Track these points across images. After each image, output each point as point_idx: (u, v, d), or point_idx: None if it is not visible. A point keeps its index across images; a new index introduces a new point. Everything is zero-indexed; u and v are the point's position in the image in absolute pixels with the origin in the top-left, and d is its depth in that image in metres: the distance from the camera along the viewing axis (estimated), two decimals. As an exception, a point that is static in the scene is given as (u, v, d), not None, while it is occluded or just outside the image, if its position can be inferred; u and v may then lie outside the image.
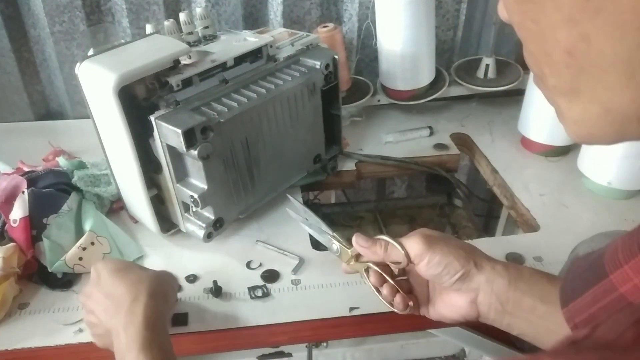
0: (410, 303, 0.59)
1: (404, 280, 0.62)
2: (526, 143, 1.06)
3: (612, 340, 0.29)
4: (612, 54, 0.24)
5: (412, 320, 0.64)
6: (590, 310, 0.36)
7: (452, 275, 0.54)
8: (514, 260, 0.79)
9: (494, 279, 0.53)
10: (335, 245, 0.63)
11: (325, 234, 0.65)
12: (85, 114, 0.77)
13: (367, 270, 0.62)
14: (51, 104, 1.23)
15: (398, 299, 0.59)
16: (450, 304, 0.58)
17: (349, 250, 0.62)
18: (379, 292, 0.61)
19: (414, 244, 0.55)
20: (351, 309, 0.71)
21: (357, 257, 0.62)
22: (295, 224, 0.69)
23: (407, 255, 0.56)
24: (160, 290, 0.61)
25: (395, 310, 0.60)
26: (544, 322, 0.51)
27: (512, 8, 0.29)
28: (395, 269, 0.61)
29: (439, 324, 0.63)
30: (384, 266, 0.61)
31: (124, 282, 0.59)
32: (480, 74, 1.15)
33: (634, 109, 0.25)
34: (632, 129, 0.27)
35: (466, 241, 0.84)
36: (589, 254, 0.41)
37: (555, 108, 0.30)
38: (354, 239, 0.60)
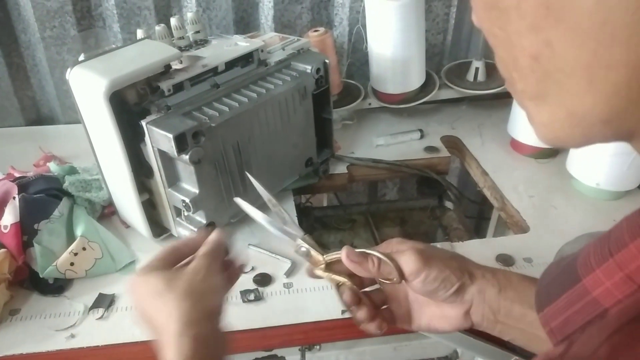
0: (384, 325, 0.56)
1: (376, 291, 0.58)
2: (516, 145, 1.07)
3: (587, 357, 0.29)
4: (573, 59, 0.25)
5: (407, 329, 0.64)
6: (565, 315, 0.36)
7: (448, 290, 0.52)
8: (504, 261, 0.80)
9: (485, 288, 0.53)
10: (305, 247, 0.56)
11: (292, 234, 0.57)
12: (76, 119, 0.77)
13: (338, 284, 0.57)
14: (42, 109, 1.23)
15: (373, 326, 0.55)
16: (442, 316, 0.56)
17: (322, 257, 0.56)
18: (349, 307, 0.56)
19: (408, 261, 0.52)
20: (343, 311, 0.71)
21: (329, 265, 0.56)
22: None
23: (400, 273, 0.52)
24: (205, 308, 0.48)
25: (366, 330, 0.56)
26: (534, 329, 0.50)
27: (481, 16, 0.29)
28: (383, 285, 0.58)
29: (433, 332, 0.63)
30: (354, 277, 0.56)
31: (164, 312, 0.47)
32: (470, 77, 1.16)
33: (595, 113, 0.26)
34: (596, 132, 0.27)
35: (457, 243, 0.85)
36: (562, 258, 0.41)
37: (525, 111, 0.31)
38: (343, 253, 0.53)
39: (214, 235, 0.54)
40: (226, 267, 0.55)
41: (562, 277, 0.38)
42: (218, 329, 0.49)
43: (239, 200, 0.59)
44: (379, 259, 0.53)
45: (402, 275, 0.52)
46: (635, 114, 0.25)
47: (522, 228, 0.89)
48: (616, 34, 0.23)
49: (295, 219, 0.90)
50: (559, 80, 0.26)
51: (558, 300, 0.37)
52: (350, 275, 0.56)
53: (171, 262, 0.52)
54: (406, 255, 0.53)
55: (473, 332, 0.76)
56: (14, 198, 0.77)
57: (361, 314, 0.55)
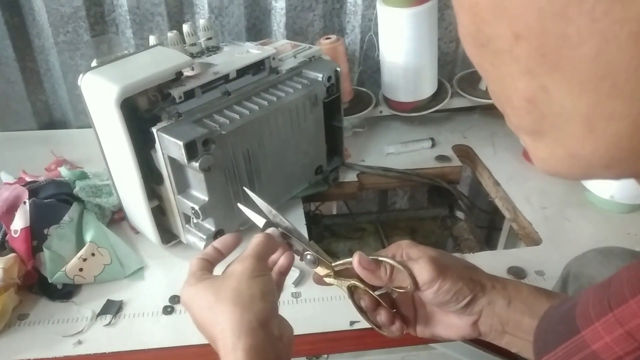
0: (404, 327, 0.55)
1: (385, 295, 0.56)
2: (528, 155, 1.06)
3: None
4: (572, 107, 0.24)
5: (409, 335, 0.63)
6: None
7: (459, 302, 0.51)
8: (516, 274, 0.78)
9: (495, 300, 0.52)
10: (311, 255, 0.54)
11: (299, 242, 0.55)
12: (88, 123, 0.77)
13: (350, 287, 0.55)
14: (54, 113, 1.24)
15: (398, 325, 0.54)
16: (449, 325, 0.55)
17: (330, 265, 0.54)
18: (362, 310, 0.55)
19: (423, 270, 0.50)
20: (352, 322, 0.71)
21: (338, 272, 0.54)
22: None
23: (415, 282, 0.50)
24: (255, 316, 0.46)
25: (385, 334, 0.55)
26: None
27: (470, 50, 0.28)
28: (394, 293, 0.56)
29: (437, 339, 0.62)
30: (364, 281, 0.54)
31: (218, 326, 0.46)
32: (483, 85, 1.15)
33: (596, 158, 0.25)
34: (597, 173, 0.26)
35: (468, 254, 0.84)
36: (561, 302, 0.40)
37: (522, 142, 0.30)
38: (355, 260, 0.52)
39: (257, 239, 0.52)
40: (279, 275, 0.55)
41: (560, 326, 0.37)
42: (272, 335, 0.47)
43: (241, 207, 0.57)
44: (392, 267, 0.51)
45: (416, 285, 0.51)
46: (638, 162, 0.25)
47: (534, 240, 0.88)
48: (617, 87, 0.22)
49: (305, 228, 0.89)
50: (556, 123, 0.25)
51: (557, 349, 0.36)
52: (360, 281, 0.54)
53: (210, 268, 0.51)
54: (420, 264, 0.51)
55: (479, 343, 0.75)
56: (24, 203, 0.78)
57: (381, 317, 0.54)
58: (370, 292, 0.54)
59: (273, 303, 0.48)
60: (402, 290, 0.52)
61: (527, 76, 0.25)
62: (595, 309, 0.33)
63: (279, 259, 0.56)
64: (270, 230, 0.54)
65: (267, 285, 0.48)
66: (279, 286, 0.55)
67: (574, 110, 0.24)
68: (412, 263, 0.51)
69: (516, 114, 0.28)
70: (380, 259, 0.52)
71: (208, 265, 0.52)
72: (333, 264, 0.54)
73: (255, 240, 0.52)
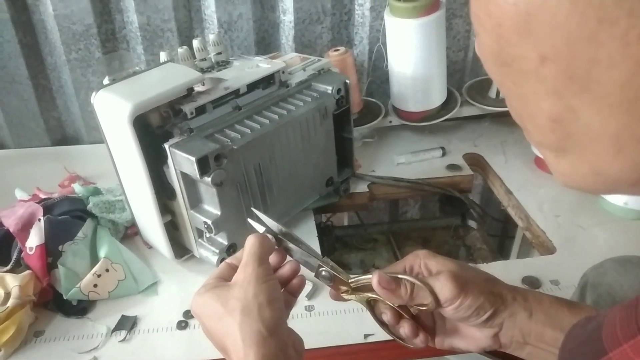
0: (429, 338, 0.55)
1: (404, 306, 0.55)
2: (540, 163, 1.05)
3: None
4: (600, 128, 0.24)
5: (427, 347, 0.62)
6: None
7: (481, 317, 0.51)
8: (531, 283, 0.78)
9: (517, 312, 0.51)
10: (326, 271, 0.53)
11: (313, 258, 0.54)
12: (101, 139, 0.78)
13: (370, 302, 0.54)
14: (67, 130, 1.25)
15: (422, 337, 0.54)
16: (469, 337, 0.55)
17: (348, 281, 0.53)
18: (382, 323, 0.55)
19: (444, 287, 0.49)
20: (366, 335, 0.71)
21: (356, 287, 0.53)
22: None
23: (436, 300, 0.49)
24: (264, 324, 0.46)
25: (409, 345, 0.55)
26: None
27: (491, 69, 0.28)
28: (415, 310, 0.54)
29: (455, 350, 0.61)
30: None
31: (229, 337, 0.47)
32: (492, 93, 1.15)
33: (623, 177, 0.25)
34: (621, 190, 0.26)
35: (481, 265, 0.84)
36: (587, 319, 0.39)
37: (542, 156, 0.30)
38: (374, 280, 0.50)
39: (249, 242, 0.50)
40: (285, 281, 0.54)
41: (587, 347, 0.36)
42: (283, 342, 0.46)
43: (251, 222, 0.56)
44: (412, 285, 0.50)
45: (437, 302, 0.50)
46: None
47: (548, 249, 0.87)
48: None
49: (316, 239, 0.89)
50: (582, 142, 0.25)
51: None
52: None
53: (228, 277, 0.50)
54: (441, 280, 0.50)
55: (495, 354, 0.75)
56: (39, 220, 0.79)
57: (404, 330, 0.53)
58: (392, 305, 0.53)
59: (280, 310, 0.48)
60: (423, 308, 0.51)
61: (553, 97, 0.25)
62: (623, 330, 0.32)
63: (279, 264, 0.54)
64: (253, 236, 0.52)
65: (273, 292, 0.48)
66: (289, 305, 0.54)
67: (603, 131, 0.24)
68: (433, 280, 0.50)
69: (539, 132, 0.28)
70: (400, 276, 0.51)
71: (231, 272, 0.51)
72: (350, 281, 0.53)
73: (249, 243, 0.50)
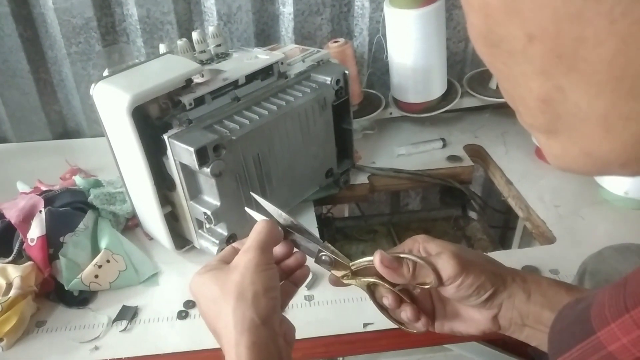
0: (430, 322, 0.54)
1: (404, 290, 0.55)
2: (541, 153, 1.05)
3: None
4: (588, 107, 0.24)
5: (427, 335, 0.62)
6: None
7: (480, 296, 0.51)
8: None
9: (515, 293, 0.51)
10: (327, 256, 0.53)
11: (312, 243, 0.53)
12: (102, 132, 0.78)
13: (370, 286, 0.54)
14: (68, 123, 1.25)
15: (423, 320, 0.53)
16: (469, 319, 0.55)
17: (349, 265, 0.53)
18: (382, 308, 0.55)
19: (446, 265, 0.49)
20: (365, 324, 0.71)
21: (356, 272, 0.53)
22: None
23: (439, 278, 0.49)
24: (258, 313, 0.46)
25: (410, 330, 0.55)
26: None
27: (481, 50, 0.28)
28: (416, 290, 0.55)
29: (454, 339, 0.61)
30: (384, 278, 0.52)
31: (222, 320, 0.47)
32: (493, 84, 1.14)
33: (613, 158, 0.25)
34: (613, 171, 0.26)
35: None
36: (577, 300, 0.40)
37: (535, 139, 0.30)
38: (377, 259, 0.50)
39: (257, 227, 0.50)
40: (290, 271, 0.53)
41: (575, 327, 0.37)
42: (275, 332, 0.46)
43: (249, 210, 0.56)
44: (414, 263, 0.50)
45: (440, 280, 0.50)
46: None
47: (548, 239, 0.87)
48: (636, 87, 0.22)
49: (316, 231, 0.89)
50: (571, 123, 0.25)
51: (572, 350, 0.36)
52: (380, 278, 0.53)
53: (230, 260, 0.50)
54: (443, 258, 0.50)
55: (497, 344, 0.75)
56: (40, 211, 0.79)
57: (405, 314, 0.53)
58: (392, 289, 0.53)
59: (276, 299, 0.48)
60: (425, 287, 0.51)
61: (541, 77, 0.25)
62: (611, 309, 0.33)
63: (286, 256, 0.54)
64: (263, 221, 0.51)
65: (270, 281, 0.47)
66: (290, 294, 0.54)
67: (591, 111, 0.24)
68: (435, 258, 0.51)
69: (530, 113, 0.28)
70: (402, 256, 0.51)
71: (235, 256, 0.50)
72: (350, 264, 0.53)
73: (257, 228, 0.50)
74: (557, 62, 0.23)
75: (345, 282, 0.54)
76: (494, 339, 0.57)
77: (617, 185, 0.90)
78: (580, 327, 0.35)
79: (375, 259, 0.51)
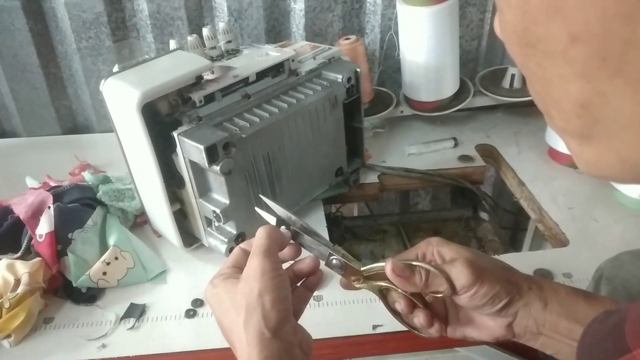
0: (443, 327, 0.54)
1: (417, 295, 0.53)
2: (554, 154, 1.04)
3: None
4: (631, 113, 0.22)
5: (437, 338, 0.60)
6: None
7: (495, 306, 0.49)
8: (543, 276, 0.77)
9: (532, 302, 0.50)
10: (338, 260, 0.51)
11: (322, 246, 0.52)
12: (111, 128, 0.78)
13: (382, 290, 0.53)
14: (78, 118, 1.25)
15: (437, 326, 0.53)
16: (483, 326, 0.54)
17: (360, 270, 0.52)
18: (395, 312, 0.54)
19: (460, 274, 0.48)
20: (374, 326, 0.70)
21: (367, 275, 0.52)
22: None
23: (452, 287, 0.48)
24: (269, 325, 0.44)
25: (422, 335, 0.54)
26: None
27: (513, 49, 0.26)
28: (429, 298, 0.52)
29: (465, 343, 0.60)
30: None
31: (234, 333, 0.46)
32: (506, 83, 1.13)
33: None
34: None
35: (494, 257, 0.82)
36: (607, 314, 0.38)
37: (565, 143, 0.28)
38: (388, 268, 0.49)
39: (257, 234, 0.48)
40: (304, 276, 0.52)
41: (607, 344, 0.35)
42: (288, 342, 0.45)
43: (259, 211, 0.54)
44: (427, 272, 0.49)
45: (453, 290, 0.49)
46: None
47: (561, 241, 0.86)
48: None
49: (325, 230, 0.89)
50: (611, 129, 0.24)
51: None
52: (391, 282, 0.51)
53: (242, 265, 0.49)
54: (457, 267, 0.49)
55: (509, 347, 0.74)
56: (49, 208, 0.79)
57: (419, 319, 0.52)
58: (405, 294, 0.52)
59: (286, 310, 0.46)
60: (438, 295, 0.50)
61: (581, 80, 0.23)
62: None
63: (295, 259, 0.53)
64: (281, 229, 0.52)
65: (279, 291, 0.45)
66: (305, 300, 0.53)
67: (634, 117, 0.23)
68: (449, 267, 0.49)
69: (563, 117, 0.26)
70: (415, 263, 0.50)
71: (245, 258, 0.49)
72: (362, 269, 0.52)
73: (258, 235, 0.48)
74: (601, 65, 0.22)
75: (357, 285, 0.53)
76: (506, 343, 0.56)
77: (632, 187, 0.88)
78: (613, 344, 0.34)
79: (386, 267, 0.49)
